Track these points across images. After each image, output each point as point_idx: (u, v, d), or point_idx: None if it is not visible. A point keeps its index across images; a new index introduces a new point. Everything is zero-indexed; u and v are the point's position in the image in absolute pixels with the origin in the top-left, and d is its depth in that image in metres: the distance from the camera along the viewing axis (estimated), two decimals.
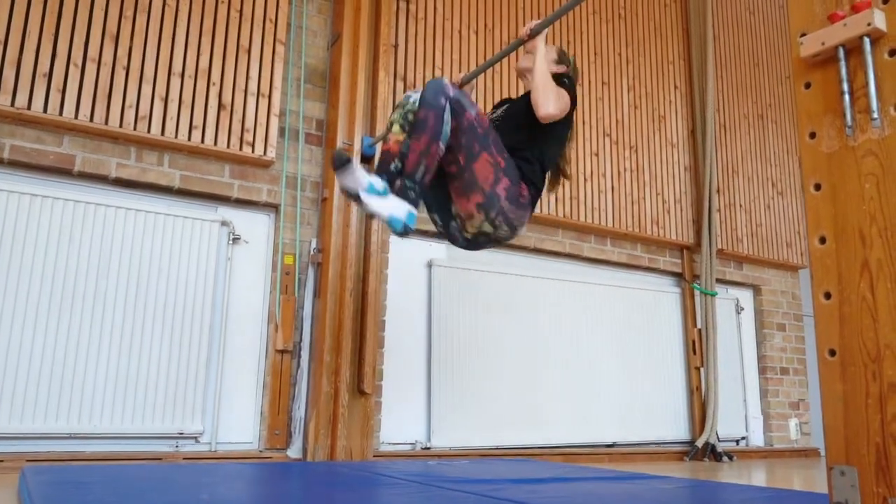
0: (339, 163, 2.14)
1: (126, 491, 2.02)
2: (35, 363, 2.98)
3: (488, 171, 2.25)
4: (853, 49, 1.34)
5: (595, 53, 4.96)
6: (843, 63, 1.34)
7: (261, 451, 3.43)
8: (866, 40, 1.31)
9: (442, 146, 2.20)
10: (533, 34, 2.43)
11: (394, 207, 2.17)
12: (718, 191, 5.34)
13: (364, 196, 2.15)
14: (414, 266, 4.03)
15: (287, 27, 3.80)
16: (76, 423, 3.03)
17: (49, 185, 3.17)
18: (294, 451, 3.45)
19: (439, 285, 4.01)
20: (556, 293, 4.43)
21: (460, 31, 4.31)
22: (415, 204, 2.21)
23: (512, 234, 2.38)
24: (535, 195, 2.41)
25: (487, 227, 2.32)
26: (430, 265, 4.06)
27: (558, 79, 2.47)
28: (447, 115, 2.19)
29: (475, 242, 2.45)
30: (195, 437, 3.29)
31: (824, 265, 1.34)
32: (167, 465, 3.00)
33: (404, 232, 2.20)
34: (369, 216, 2.31)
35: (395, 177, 2.21)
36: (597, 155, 4.79)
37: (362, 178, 2.16)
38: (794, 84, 1.46)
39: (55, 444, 3.01)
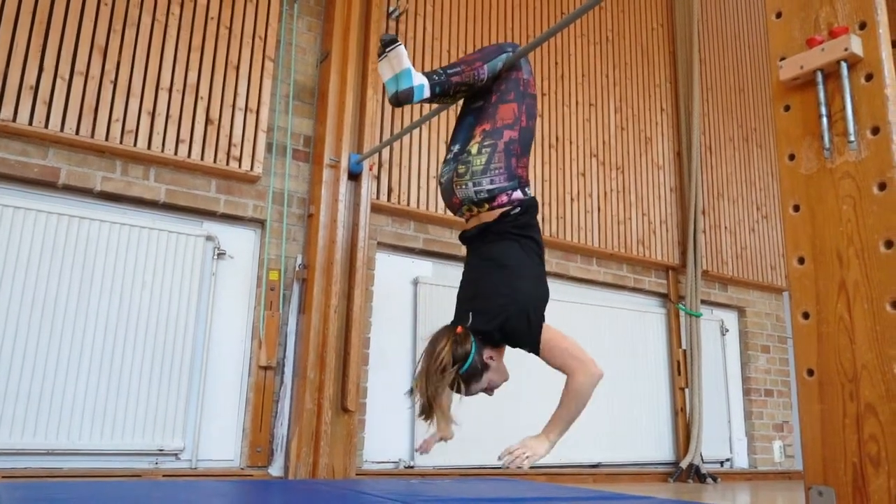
0: (389, 39, 2.33)
1: None
2: (13, 377, 2.94)
3: (510, 115, 2.38)
4: (831, 73, 1.36)
5: (583, 75, 5.01)
6: (821, 87, 1.37)
7: (242, 469, 3.39)
8: (843, 65, 1.33)
9: (485, 70, 2.38)
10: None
11: (415, 72, 2.34)
12: (704, 212, 5.38)
13: (398, 47, 2.32)
14: (400, 283, 4.03)
15: (276, 44, 3.81)
16: (54, 438, 2.98)
17: (33, 198, 3.15)
18: (276, 469, 3.41)
19: (425, 303, 4.00)
20: None
21: (449, 51, 4.35)
22: (432, 88, 2.34)
23: (476, 186, 2.31)
24: (529, 200, 2.39)
25: (475, 159, 2.32)
26: (415, 282, 4.05)
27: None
28: (505, 57, 2.43)
29: (450, 182, 2.40)
30: (175, 454, 3.25)
31: (803, 285, 1.35)
32: (146, 481, 2.96)
33: (406, 94, 2.30)
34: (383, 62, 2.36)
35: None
36: (583, 175, 4.83)
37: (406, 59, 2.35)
38: (773, 106, 1.48)
39: (31, 461, 2.96)
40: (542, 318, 2.26)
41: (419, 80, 2.35)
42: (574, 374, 2.19)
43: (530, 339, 2.19)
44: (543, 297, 2.35)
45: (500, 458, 2.12)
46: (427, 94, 2.35)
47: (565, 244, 4.62)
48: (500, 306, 2.23)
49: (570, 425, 2.13)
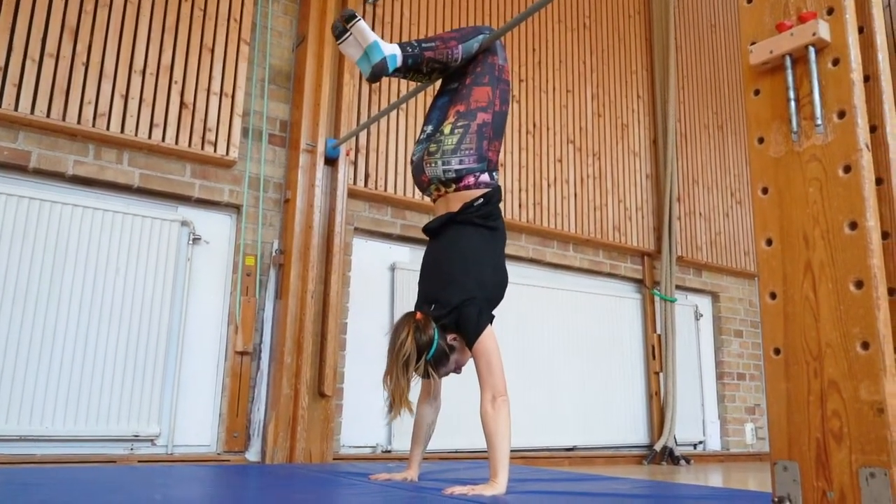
0: (349, 15, 2.34)
1: (76, 492, 1.98)
2: None
3: (484, 98, 2.41)
4: (799, 58, 1.39)
5: (560, 61, 5.03)
6: (789, 71, 1.39)
7: (219, 454, 3.38)
8: (811, 49, 1.35)
9: (460, 50, 2.43)
10: None
11: (383, 42, 2.35)
12: (679, 199, 5.44)
13: (359, 22, 2.33)
14: (377, 269, 4.03)
15: (252, 27, 3.77)
16: (27, 424, 2.95)
17: (3, 182, 3.10)
18: (253, 454, 3.41)
19: (402, 288, 4.01)
20: (519, 298, 4.46)
21: (426, 35, 4.33)
22: (405, 60, 2.37)
23: (444, 165, 2.33)
24: (495, 189, 2.41)
25: (447, 139, 2.34)
26: (392, 268, 4.05)
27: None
28: (481, 38, 2.46)
29: (420, 160, 2.42)
30: (151, 440, 3.24)
31: (770, 266, 1.38)
32: (121, 467, 2.94)
33: (380, 66, 2.34)
34: (346, 36, 2.38)
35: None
36: (560, 161, 4.85)
37: (369, 34, 2.36)
38: (744, 91, 1.50)
39: (4, 447, 2.93)
40: (491, 319, 2.27)
41: (390, 50, 2.36)
42: (483, 391, 2.18)
43: (471, 335, 2.19)
44: (502, 283, 2.38)
45: (444, 492, 2.11)
46: (399, 63, 2.37)
47: (542, 230, 4.64)
48: (457, 297, 2.23)
49: (507, 457, 2.14)
